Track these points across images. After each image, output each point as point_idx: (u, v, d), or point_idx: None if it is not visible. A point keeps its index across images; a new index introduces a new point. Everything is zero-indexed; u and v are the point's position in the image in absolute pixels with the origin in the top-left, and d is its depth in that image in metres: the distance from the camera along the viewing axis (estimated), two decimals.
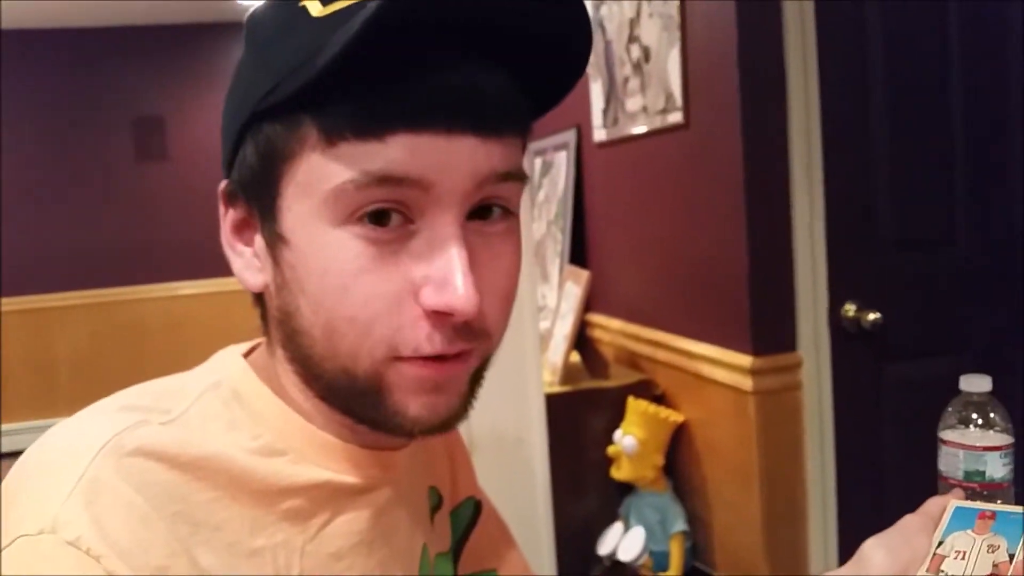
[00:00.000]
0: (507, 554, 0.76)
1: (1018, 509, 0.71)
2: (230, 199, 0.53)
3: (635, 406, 1.97)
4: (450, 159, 0.47)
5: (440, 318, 0.48)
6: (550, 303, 2.47)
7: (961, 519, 0.73)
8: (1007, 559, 0.67)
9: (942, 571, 0.69)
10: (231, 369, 0.55)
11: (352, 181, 0.46)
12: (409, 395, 0.50)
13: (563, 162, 2.60)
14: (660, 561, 1.94)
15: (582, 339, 2.41)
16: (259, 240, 0.52)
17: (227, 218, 0.54)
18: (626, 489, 2.03)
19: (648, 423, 1.94)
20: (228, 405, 0.53)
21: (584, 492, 2.02)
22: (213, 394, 0.53)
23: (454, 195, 0.48)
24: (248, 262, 0.53)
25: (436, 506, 0.66)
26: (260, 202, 0.51)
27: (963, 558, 0.69)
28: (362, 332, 0.48)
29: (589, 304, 2.38)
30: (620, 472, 1.97)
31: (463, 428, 0.75)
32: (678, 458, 2.02)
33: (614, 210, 2.37)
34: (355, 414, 0.52)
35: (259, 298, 0.55)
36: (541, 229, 2.71)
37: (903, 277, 1.84)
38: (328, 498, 0.53)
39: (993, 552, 0.68)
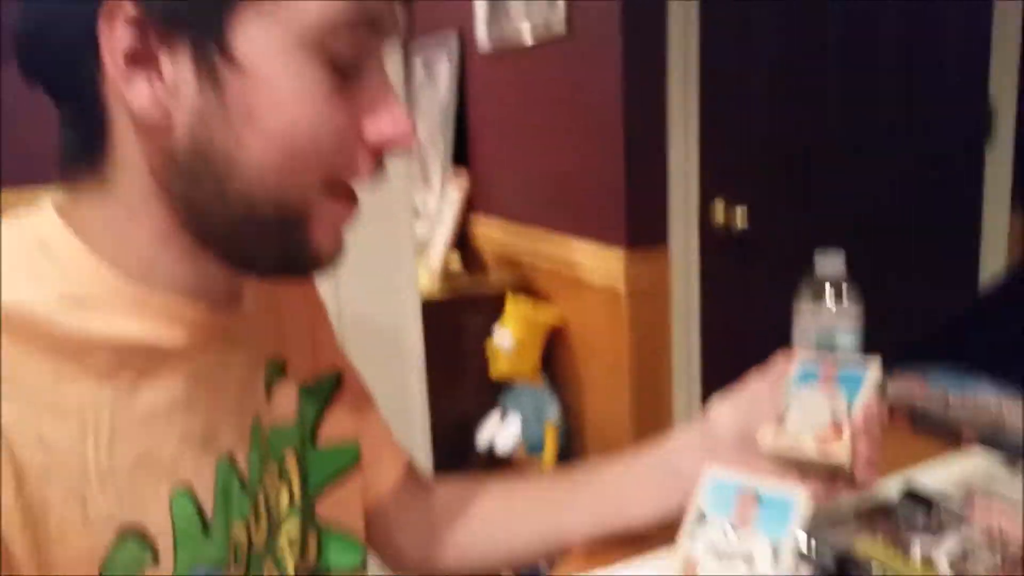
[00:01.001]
0: (369, 426, 0.77)
1: (861, 364, 0.78)
2: (129, 24, 0.48)
3: (514, 306, 2.02)
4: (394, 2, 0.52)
5: (375, 150, 0.53)
6: (431, 208, 2.48)
7: (806, 375, 0.80)
8: (846, 411, 0.74)
9: (786, 429, 0.76)
10: (39, 218, 0.53)
11: (331, 16, 0.49)
12: (326, 228, 0.53)
13: (445, 67, 2.57)
14: (535, 447, 2.03)
15: (464, 243, 2.44)
16: (170, 70, 0.49)
17: (117, 44, 0.48)
18: (505, 384, 2.10)
19: (526, 322, 2.00)
20: (32, 255, 0.51)
21: (463, 388, 2.08)
22: (17, 243, 0.51)
23: (394, 36, 0.53)
24: (155, 91, 0.49)
25: (274, 377, 0.65)
26: (195, 27, 0.48)
27: (806, 412, 0.76)
28: (308, 161, 0.50)
29: (472, 207, 2.41)
30: (498, 368, 2.03)
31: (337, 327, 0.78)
32: (555, 354, 2.10)
33: (497, 116, 2.38)
34: (248, 253, 0.53)
35: (101, 143, 0.52)
36: (423, 133, 2.69)
37: (772, 176, 1.95)
38: (139, 356, 0.52)
39: (835, 403, 0.76)
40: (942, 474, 0.95)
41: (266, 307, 0.66)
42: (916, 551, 0.72)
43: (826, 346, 0.94)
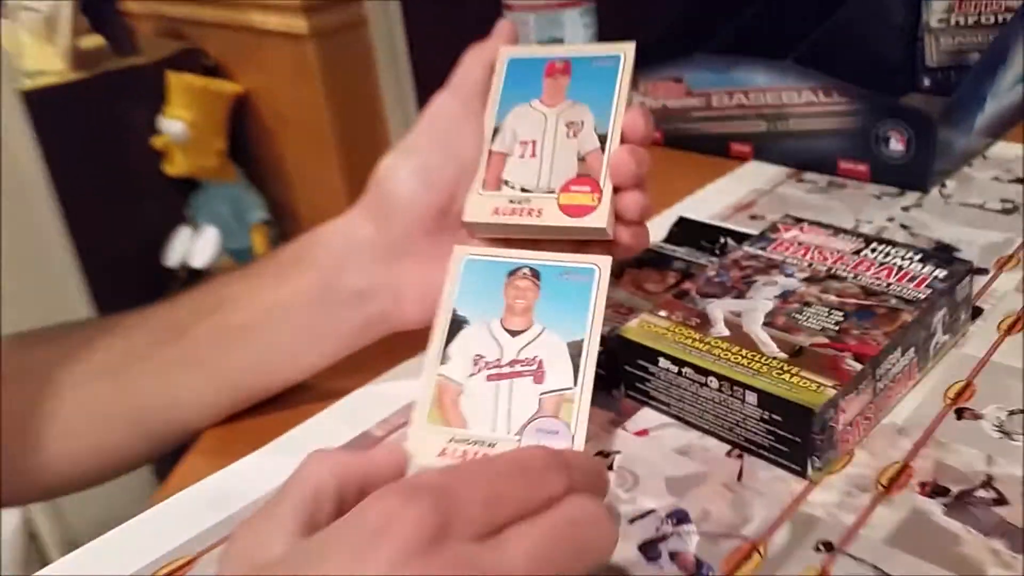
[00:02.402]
0: None
1: (604, 55, 0.50)
2: None
3: (178, 83, 1.59)
4: None
5: None
6: None
7: (521, 80, 0.51)
8: (596, 145, 0.47)
9: (505, 183, 0.48)
10: None
11: None
12: None
13: None
14: (243, 259, 1.68)
15: (102, 16, 1.90)
16: None
17: None
18: (189, 186, 1.70)
19: (198, 101, 1.58)
20: None
21: (137, 199, 1.66)
22: None
23: None
24: None
25: None
26: None
27: (533, 154, 0.48)
28: None
29: None
30: (175, 166, 1.62)
31: None
32: (245, 139, 1.70)
33: None
34: None
35: None
36: None
37: None
38: None
39: (575, 135, 0.48)
40: (717, 202, 0.73)
41: None
42: (715, 314, 0.48)
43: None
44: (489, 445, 0.40)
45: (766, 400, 0.42)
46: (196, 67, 1.64)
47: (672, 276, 0.58)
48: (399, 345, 0.53)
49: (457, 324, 0.44)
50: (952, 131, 0.70)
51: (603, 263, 0.44)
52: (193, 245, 1.65)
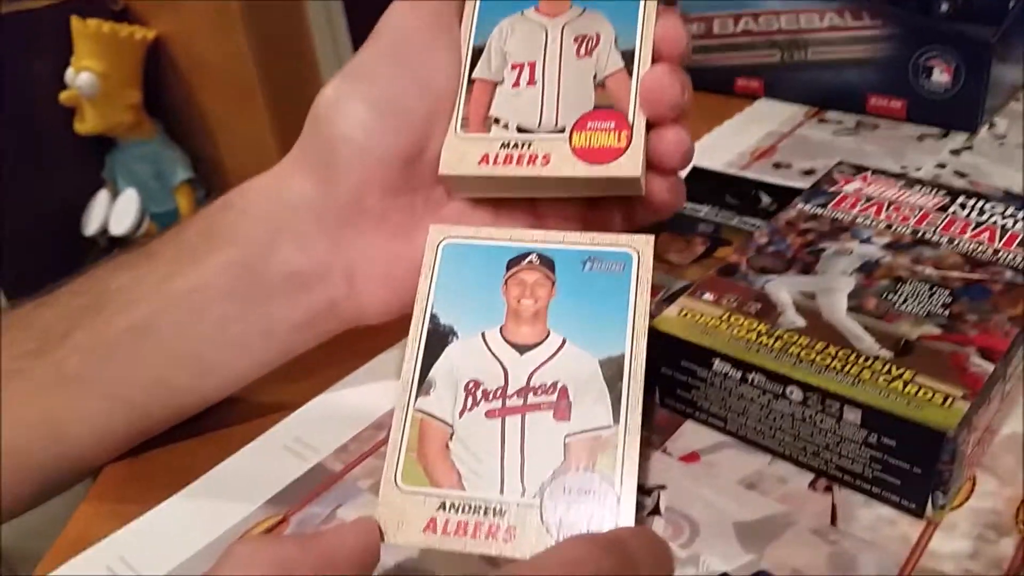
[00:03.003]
0: None
1: None
2: None
3: (84, 30, 1.41)
4: None
5: None
6: None
7: None
8: (620, 64, 0.35)
9: (495, 121, 0.36)
10: None
11: None
12: None
13: None
14: (168, 222, 1.52)
15: None
16: None
17: None
18: (104, 145, 1.53)
19: (107, 49, 1.41)
20: None
21: (45, 163, 1.48)
22: None
23: None
24: None
25: None
26: None
27: (532, 81, 0.36)
28: None
29: None
30: (85, 124, 1.45)
31: None
32: (162, 90, 1.53)
33: None
34: None
35: None
36: None
37: None
38: None
39: (588, 52, 0.35)
40: (730, 148, 0.61)
41: None
42: (781, 296, 0.36)
43: None
44: (496, 513, 0.28)
45: (874, 418, 0.31)
46: (103, 11, 1.46)
47: (700, 242, 0.46)
48: (360, 338, 0.40)
49: (440, 337, 0.32)
50: (1003, 61, 0.59)
51: (642, 246, 0.32)
52: (112, 210, 1.49)
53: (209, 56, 1.42)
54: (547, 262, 0.32)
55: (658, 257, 0.46)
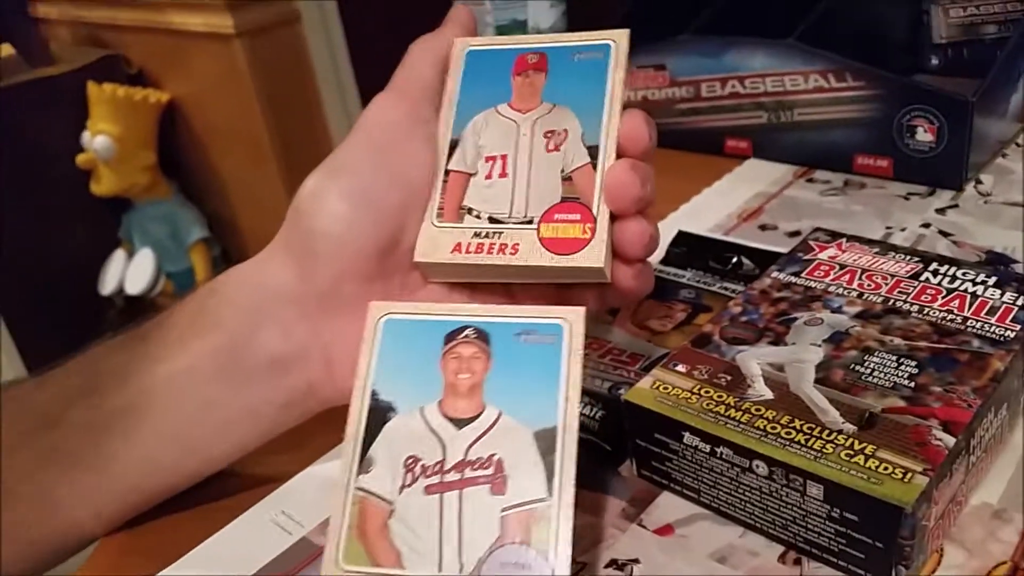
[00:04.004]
0: None
1: (590, 46, 0.39)
2: None
3: (100, 94, 1.45)
4: None
5: None
6: None
7: (484, 80, 0.39)
8: (586, 159, 0.36)
9: (468, 211, 0.37)
10: None
11: None
12: None
13: None
14: (183, 281, 1.55)
15: (11, 23, 1.75)
16: None
17: None
18: (120, 205, 1.56)
19: (122, 113, 1.45)
20: None
21: (62, 224, 1.52)
22: None
23: None
24: None
25: None
26: None
27: (503, 173, 0.37)
28: None
29: None
30: (101, 186, 1.48)
31: None
32: (176, 151, 1.57)
33: None
34: None
35: None
36: None
37: None
38: None
39: (557, 147, 0.37)
40: (717, 210, 0.62)
41: None
42: (751, 367, 0.37)
43: (515, 30, 0.54)
44: None
45: (836, 493, 0.31)
46: (119, 76, 1.50)
47: (681, 308, 0.47)
48: (344, 413, 0.41)
49: (379, 414, 0.32)
50: (986, 117, 0.60)
51: (573, 317, 0.33)
52: (128, 270, 1.51)
53: (220, 116, 1.45)
54: (483, 335, 0.33)
55: (640, 324, 0.47)
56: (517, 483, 0.30)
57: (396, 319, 0.34)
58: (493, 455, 0.31)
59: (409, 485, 0.31)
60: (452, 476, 0.30)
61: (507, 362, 0.32)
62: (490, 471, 0.30)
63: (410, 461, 0.31)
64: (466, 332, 0.33)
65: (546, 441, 0.30)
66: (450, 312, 0.34)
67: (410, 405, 0.32)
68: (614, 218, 0.35)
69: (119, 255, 1.55)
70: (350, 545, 0.30)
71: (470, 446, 0.31)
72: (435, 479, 0.31)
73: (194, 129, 1.52)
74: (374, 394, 0.33)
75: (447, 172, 0.38)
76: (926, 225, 0.56)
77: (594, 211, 0.35)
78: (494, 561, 0.29)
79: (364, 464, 0.31)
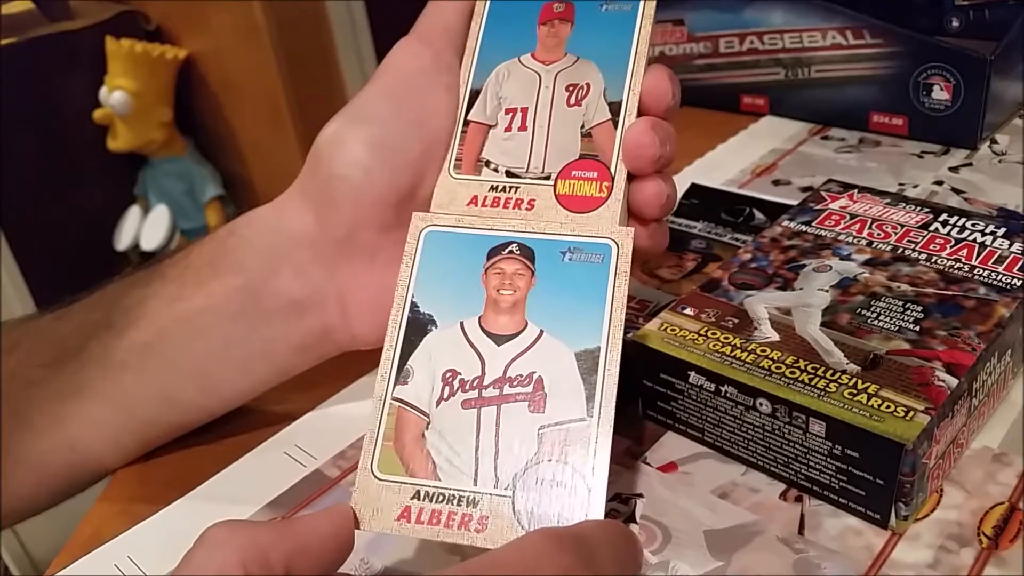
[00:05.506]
0: None
1: None
2: None
3: (118, 50, 1.45)
4: None
5: None
6: None
7: (508, 28, 0.38)
8: (607, 115, 0.36)
9: (486, 164, 0.37)
10: None
11: None
12: None
13: None
14: (198, 232, 1.56)
15: None
16: None
17: None
18: (136, 162, 1.57)
19: (140, 68, 1.45)
20: None
21: (78, 179, 1.53)
22: None
23: None
24: None
25: None
26: None
27: (523, 126, 0.37)
28: None
29: None
30: (118, 141, 1.49)
31: None
32: (193, 108, 1.57)
33: None
34: None
35: None
36: None
37: None
38: None
39: (578, 101, 0.37)
40: (732, 165, 0.62)
41: None
42: (758, 311, 0.38)
43: None
44: (469, 503, 0.29)
45: (838, 430, 0.32)
46: (137, 31, 1.50)
47: (691, 258, 0.47)
48: (357, 355, 0.42)
49: (419, 326, 0.33)
50: (1004, 77, 0.60)
51: (622, 238, 0.33)
52: (144, 226, 1.53)
53: (238, 74, 1.45)
54: (527, 252, 0.33)
55: (650, 272, 0.47)
56: (556, 402, 0.30)
57: (438, 231, 0.34)
58: (533, 373, 0.31)
59: (447, 399, 0.31)
60: (491, 392, 0.31)
61: (551, 280, 0.32)
62: (529, 389, 0.30)
63: (448, 375, 0.31)
64: (510, 247, 0.33)
65: (587, 362, 0.30)
66: (495, 227, 0.34)
67: (450, 319, 0.32)
68: (632, 177, 0.35)
69: (135, 211, 1.56)
70: (385, 455, 0.30)
71: (510, 363, 0.31)
72: (473, 394, 0.31)
73: (211, 86, 1.53)
74: (414, 306, 0.33)
75: (467, 122, 0.38)
76: (939, 183, 0.56)
77: (612, 170, 0.35)
78: (530, 477, 0.29)
79: (402, 375, 0.32)
